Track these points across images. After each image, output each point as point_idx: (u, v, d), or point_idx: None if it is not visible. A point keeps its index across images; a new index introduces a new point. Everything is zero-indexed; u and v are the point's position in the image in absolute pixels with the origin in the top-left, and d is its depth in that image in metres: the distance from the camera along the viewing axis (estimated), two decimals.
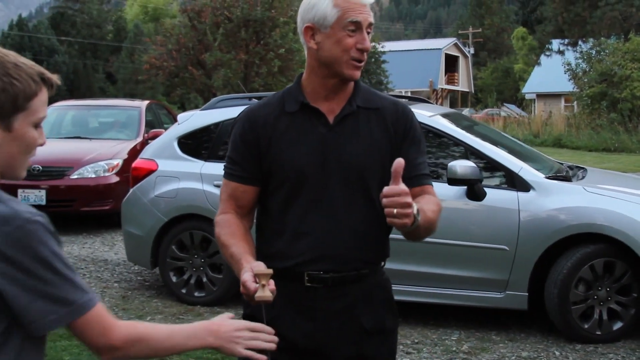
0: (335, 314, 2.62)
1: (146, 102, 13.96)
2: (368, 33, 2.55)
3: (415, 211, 2.34)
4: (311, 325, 2.63)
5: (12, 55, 1.85)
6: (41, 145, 1.93)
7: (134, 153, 10.27)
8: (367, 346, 2.56)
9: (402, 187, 2.29)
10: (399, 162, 2.31)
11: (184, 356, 5.59)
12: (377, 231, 2.66)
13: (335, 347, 2.63)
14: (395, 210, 2.28)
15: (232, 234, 2.58)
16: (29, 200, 10.48)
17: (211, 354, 5.67)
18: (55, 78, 1.92)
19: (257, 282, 2.28)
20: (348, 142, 2.61)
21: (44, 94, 1.89)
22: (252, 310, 2.67)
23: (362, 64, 2.57)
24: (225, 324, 2.04)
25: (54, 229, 1.83)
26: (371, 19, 2.56)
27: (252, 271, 2.32)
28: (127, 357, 1.90)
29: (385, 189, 2.30)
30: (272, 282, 2.29)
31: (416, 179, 2.65)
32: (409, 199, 2.29)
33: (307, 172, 2.59)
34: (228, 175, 2.71)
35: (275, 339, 2.15)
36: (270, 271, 2.28)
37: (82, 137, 12.40)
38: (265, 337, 2.13)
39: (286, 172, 2.61)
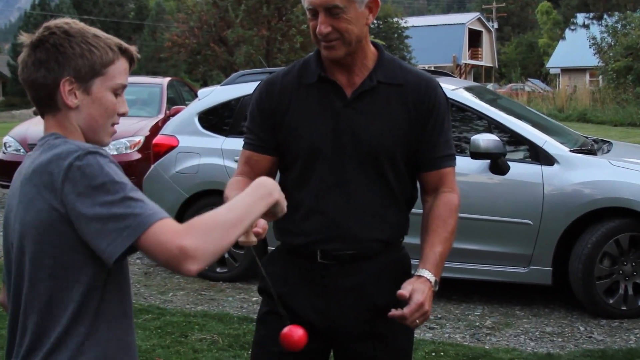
0: (348, 291, 2.59)
1: (167, 79, 13.94)
2: (336, 14, 2.43)
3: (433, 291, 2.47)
4: (323, 302, 2.60)
5: (93, 29, 2.02)
6: (123, 114, 2.07)
7: (156, 130, 10.25)
8: (380, 324, 2.51)
9: (413, 301, 2.39)
10: (401, 294, 2.40)
11: (205, 332, 5.59)
12: (393, 209, 2.61)
13: (348, 324, 2.60)
14: (417, 321, 2.42)
15: (236, 188, 2.48)
16: None
17: (233, 329, 5.66)
18: (133, 49, 2.08)
19: None
20: (364, 120, 2.54)
21: (122, 63, 2.03)
22: (265, 284, 2.65)
23: (335, 42, 2.47)
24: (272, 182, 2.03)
25: (112, 159, 1.89)
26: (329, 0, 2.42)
27: None
28: (206, 254, 1.79)
29: (406, 315, 2.38)
30: (261, 222, 2.22)
31: (435, 162, 2.61)
32: (425, 308, 2.41)
33: (320, 148, 2.54)
34: (244, 143, 2.69)
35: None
36: None
37: None
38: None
39: (299, 146, 2.57)
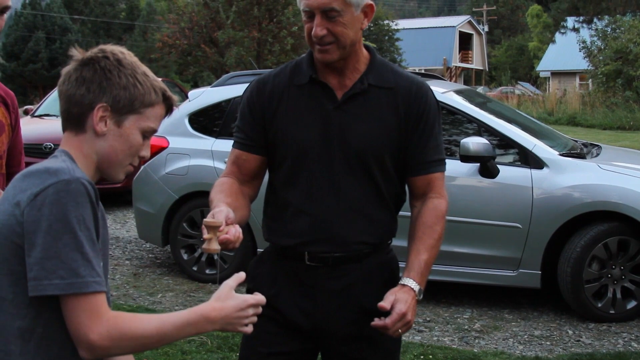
0: (335, 294, 2.59)
1: (158, 79, 13.90)
2: (332, 17, 2.43)
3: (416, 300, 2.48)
4: (311, 303, 2.60)
5: (144, 67, 2.05)
6: (144, 157, 2.07)
7: None
8: (368, 326, 2.50)
9: (395, 311, 2.39)
10: (381, 306, 2.41)
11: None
12: (381, 212, 2.61)
13: (335, 326, 2.60)
14: (400, 331, 2.44)
15: (221, 191, 2.53)
16: None
17: (221, 331, 5.65)
18: (175, 100, 2.10)
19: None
20: (354, 122, 2.54)
21: (160, 108, 2.05)
22: (255, 285, 2.66)
23: (330, 45, 2.46)
24: (226, 308, 1.94)
25: (96, 200, 1.88)
26: (327, 2, 2.41)
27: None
28: (105, 354, 1.84)
29: (388, 325, 2.39)
30: (232, 230, 2.21)
31: (423, 166, 2.61)
32: (407, 318, 2.41)
33: (308, 149, 2.54)
34: (234, 142, 2.69)
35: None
36: (219, 222, 2.19)
37: None
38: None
39: (288, 146, 2.57)
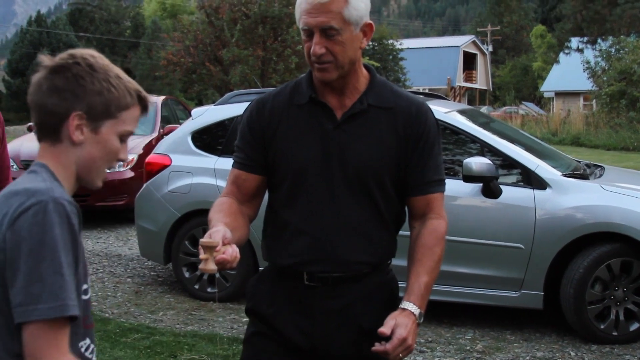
0: (334, 313, 2.57)
1: (162, 97, 13.96)
2: (331, 35, 2.43)
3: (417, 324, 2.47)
4: (309, 323, 2.58)
5: (116, 69, 1.98)
6: (122, 160, 2.03)
7: (149, 148, 10.24)
8: (367, 347, 2.48)
9: (396, 336, 2.38)
10: (381, 332, 2.39)
11: (195, 353, 5.56)
12: (381, 232, 2.60)
13: (334, 346, 2.59)
14: (401, 355, 2.41)
15: (220, 210, 2.52)
16: None
17: (222, 350, 5.63)
18: (149, 100, 2.06)
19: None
20: (353, 142, 2.54)
21: (135, 110, 2.00)
22: (253, 304, 2.66)
23: (328, 64, 2.46)
24: None
25: (77, 219, 1.83)
26: (326, 20, 2.41)
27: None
28: None
29: (389, 350, 2.38)
30: (230, 250, 2.20)
31: (423, 187, 2.60)
32: (408, 343, 2.40)
33: (308, 169, 2.54)
34: (234, 162, 2.68)
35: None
36: (216, 242, 2.17)
37: None
38: None
39: (288, 166, 2.56)
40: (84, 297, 1.91)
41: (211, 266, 2.14)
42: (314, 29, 2.44)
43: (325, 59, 2.46)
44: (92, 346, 1.97)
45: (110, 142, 1.96)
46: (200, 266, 2.16)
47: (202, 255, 2.16)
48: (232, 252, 2.21)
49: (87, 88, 1.89)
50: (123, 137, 1.99)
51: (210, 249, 2.16)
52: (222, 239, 2.22)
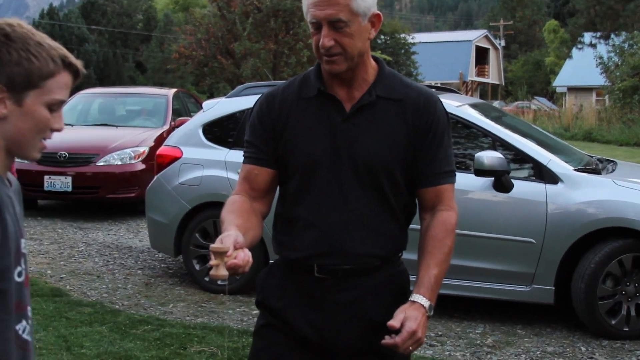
0: (344, 306, 2.56)
1: (173, 90, 13.98)
2: (339, 27, 2.42)
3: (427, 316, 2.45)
4: (319, 316, 2.57)
5: (38, 35, 1.86)
6: (57, 130, 1.92)
7: (161, 141, 10.25)
8: (377, 340, 2.46)
9: (406, 329, 2.37)
10: (391, 325, 2.37)
11: (204, 345, 5.57)
12: (390, 225, 2.59)
13: (343, 339, 2.57)
14: (411, 348, 2.40)
15: (232, 211, 2.49)
16: (55, 187, 10.56)
17: (232, 342, 5.63)
18: (79, 64, 1.92)
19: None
20: (362, 135, 2.52)
21: (63, 77, 1.88)
22: (263, 297, 2.65)
23: (337, 57, 2.45)
24: None
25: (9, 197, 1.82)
26: (334, 12, 2.41)
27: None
28: None
29: (398, 343, 2.37)
30: (241, 254, 2.17)
31: (433, 178, 2.58)
32: (418, 335, 2.38)
33: (317, 162, 2.52)
34: (245, 157, 2.66)
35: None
36: (226, 248, 2.13)
37: (108, 124, 12.43)
38: None
39: (297, 159, 2.55)
40: (18, 279, 1.87)
41: (222, 272, 2.11)
42: (322, 22, 2.43)
43: (334, 51, 2.45)
44: (27, 327, 1.93)
45: (38, 113, 1.86)
46: (211, 272, 2.13)
47: (212, 262, 2.13)
48: (244, 257, 2.18)
49: (4, 59, 1.80)
50: (53, 107, 1.88)
51: (221, 254, 2.13)
52: (233, 244, 2.18)
